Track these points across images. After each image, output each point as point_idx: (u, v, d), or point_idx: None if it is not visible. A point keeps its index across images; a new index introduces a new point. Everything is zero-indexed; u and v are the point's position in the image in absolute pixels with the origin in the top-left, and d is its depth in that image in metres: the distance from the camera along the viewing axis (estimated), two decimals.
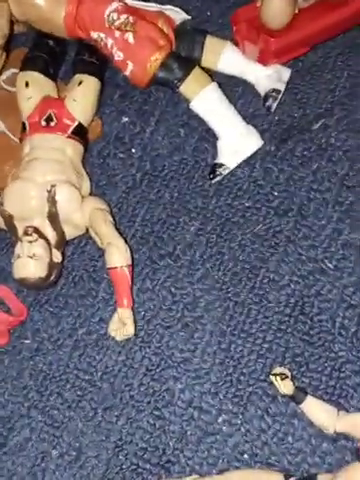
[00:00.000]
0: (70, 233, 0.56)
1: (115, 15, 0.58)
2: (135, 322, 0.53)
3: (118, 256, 0.53)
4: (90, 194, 0.60)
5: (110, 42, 0.58)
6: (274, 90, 0.63)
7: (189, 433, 0.49)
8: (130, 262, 0.54)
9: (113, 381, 0.52)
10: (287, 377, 0.48)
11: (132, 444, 0.49)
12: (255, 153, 0.61)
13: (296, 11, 0.62)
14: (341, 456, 0.47)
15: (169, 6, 0.65)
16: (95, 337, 0.54)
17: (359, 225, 0.57)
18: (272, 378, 0.48)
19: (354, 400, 0.49)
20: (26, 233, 0.52)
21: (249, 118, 0.63)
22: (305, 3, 0.63)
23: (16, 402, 0.52)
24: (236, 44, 0.65)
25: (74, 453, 0.49)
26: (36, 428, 0.51)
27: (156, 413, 0.51)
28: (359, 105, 0.64)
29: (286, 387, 0.48)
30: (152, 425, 0.50)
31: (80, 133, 0.59)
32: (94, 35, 0.59)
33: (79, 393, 0.52)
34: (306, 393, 0.48)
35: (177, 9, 0.66)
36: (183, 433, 0.49)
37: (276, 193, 0.60)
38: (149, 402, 0.51)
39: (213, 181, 0.61)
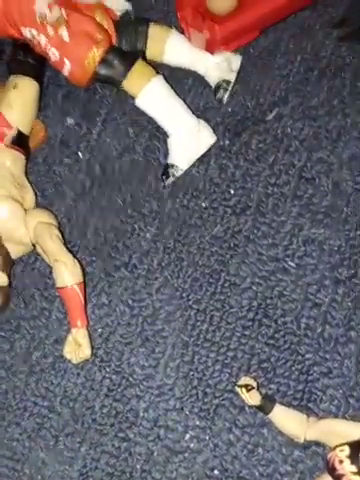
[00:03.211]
0: (16, 251, 0.51)
1: (47, 10, 0.52)
2: (92, 341, 0.49)
3: (67, 274, 0.48)
4: (36, 205, 0.55)
5: (44, 40, 0.52)
6: (224, 81, 0.58)
7: (156, 453, 0.46)
8: (81, 279, 0.49)
9: (73, 405, 0.49)
10: (253, 388, 0.45)
11: (97, 470, 0.46)
12: (209, 149, 0.57)
13: None
14: (313, 463, 0.45)
15: None
16: (51, 360, 0.50)
17: (320, 219, 0.54)
18: (238, 390, 0.46)
19: (324, 403, 0.47)
20: None
21: (200, 111, 0.58)
22: None
23: None
24: (182, 32, 0.60)
25: None
26: None
27: (121, 435, 0.47)
28: (314, 91, 0.60)
29: (253, 398, 0.45)
30: (117, 448, 0.47)
31: (20, 141, 0.53)
32: (26, 32, 0.53)
33: (38, 421, 0.48)
34: (274, 402, 0.45)
35: None
36: (150, 454, 0.47)
37: (233, 191, 0.56)
38: (112, 424, 0.48)
39: (166, 183, 0.56)
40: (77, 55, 0.53)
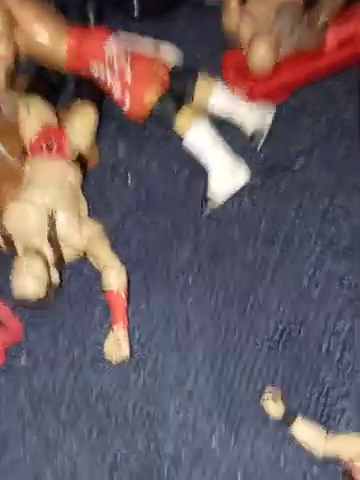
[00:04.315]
0: (68, 255, 0.57)
1: (115, 54, 0.61)
2: (130, 344, 0.54)
3: (115, 279, 0.54)
4: (88, 217, 0.61)
5: (109, 79, 0.61)
6: (260, 130, 0.67)
7: (183, 455, 0.50)
8: (126, 285, 0.54)
9: (108, 403, 0.52)
10: (278, 398, 0.49)
11: (127, 466, 0.49)
12: (243, 186, 0.64)
13: (278, 60, 0.68)
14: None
15: (166, 43, 0.69)
16: (90, 358, 0.54)
17: (340, 257, 0.60)
18: (264, 397, 0.49)
19: (341, 424, 0.51)
20: (26, 253, 0.52)
21: (237, 154, 0.66)
22: (286, 53, 0.69)
23: (11, 421, 0.51)
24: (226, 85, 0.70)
25: (68, 473, 0.48)
26: (30, 447, 0.50)
27: (150, 435, 0.51)
28: (336, 147, 0.69)
29: (277, 409, 0.49)
30: (146, 447, 0.50)
31: (79, 159, 0.61)
32: (94, 70, 0.62)
33: (74, 414, 0.51)
34: (295, 416, 0.49)
35: (172, 48, 0.70)
36: (177, 455, 0.50)
37: (263, 224, 0.63)
38: (143, 424, 0.51)
39: (204, 212, 0.63)
40: (138, 95, 0.62)
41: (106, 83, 0.62)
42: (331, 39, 0.68)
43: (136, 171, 0.67)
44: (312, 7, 0.68)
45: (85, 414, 0.51)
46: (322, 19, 0.67)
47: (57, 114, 0.65)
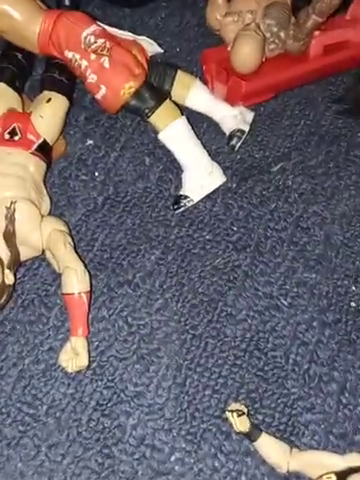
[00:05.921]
0: (25, 254, 0.51)
1: (92, 38, 0.56)
2: (88, 353, 0.49)
3: (76, 281, 0.48)
4: (49, 214, 0.55)
5: (84, 64, 0.56)
6: (239, 130, 0.63)
7: (140, 473, 0.45)
8: (89, 288, 0.49)
9: (59, 416, 0.47)
10: (243, 414, 0.46)
11: None
12: (217, 188, 0.61)
13: (263, 60, 0.64)
14: None
15: (144, 37, 0.64)
16: (43, 367, 0.49)
17: (312, 265, 0.58)
18: (228, 415, 0.46)
19: (305, 437, 0.48)
20: None
21: (212, 154, 0.62)
22: (271, 53, 0.66)
23: None
24: (205, 82, 0.65)
25: None
26: None
27: (105, 451, 0.46)
28: (314, 152, 0.66)
29: (242, 424, 0.45)
30: (100, 464, 0.45)
31: (44, 150, 0.55)
32: (68, 55, 0.56)
33: (21, 428, 0.46)
34: (261, 430, 0.46)
35: (151, 41, 0.65)
36: (134, 473, 0.45)
37: (235, 228, 0.59)
38: (98, 439, 0.46)
39: (176, 212, 0.59)
40: (114, 83, 0.56)
41: (80, 68, 0.56)
42: (316, 45, 0.65)
43: (105, 165, 0.62)
44: (301, 10, 0.65)
45: (33, 429, 0.46)
46: (311, 23, 0.63)
47: (23, 99, 0.59)
